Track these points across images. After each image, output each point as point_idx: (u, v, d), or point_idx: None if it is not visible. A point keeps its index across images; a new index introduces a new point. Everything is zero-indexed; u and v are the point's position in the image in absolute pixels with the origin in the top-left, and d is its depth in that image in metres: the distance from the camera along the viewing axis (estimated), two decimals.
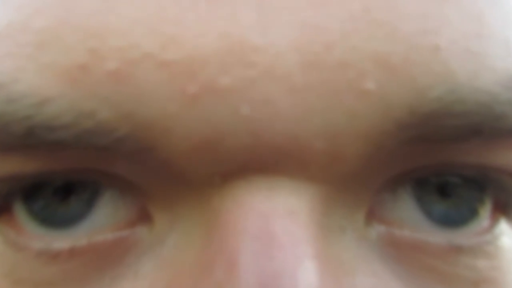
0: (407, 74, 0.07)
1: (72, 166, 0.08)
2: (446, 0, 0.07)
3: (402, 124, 0.07)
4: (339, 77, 0.07)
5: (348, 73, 0.07)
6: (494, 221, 0.09)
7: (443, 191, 0.08)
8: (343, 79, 0.07)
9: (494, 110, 0.07)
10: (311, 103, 0.07)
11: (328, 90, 0.07)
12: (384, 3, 0.07)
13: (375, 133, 0.07)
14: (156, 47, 0.07)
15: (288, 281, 0.07)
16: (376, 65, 0.07)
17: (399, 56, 0.07)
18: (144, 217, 0.08)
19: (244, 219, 0.07)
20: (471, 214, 0.09)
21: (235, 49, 0.07)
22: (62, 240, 0.08)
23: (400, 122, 0.07)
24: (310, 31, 0.07)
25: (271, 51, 0.07)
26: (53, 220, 0.08)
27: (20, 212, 0.08)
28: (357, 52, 0.07)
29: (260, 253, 0.07)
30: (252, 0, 0.07)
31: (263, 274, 0.07)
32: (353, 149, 0.07)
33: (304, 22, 0.07)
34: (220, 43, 0.07)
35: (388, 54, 0.07)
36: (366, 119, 0.07)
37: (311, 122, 0.07)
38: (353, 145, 0.07)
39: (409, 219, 0.09)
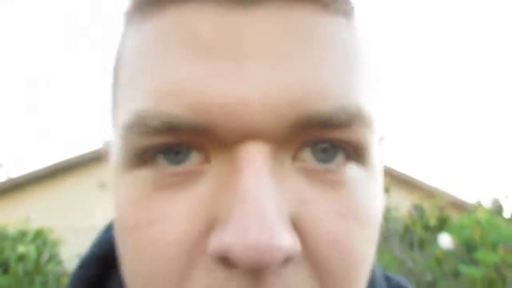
0: (304, 106, 0.16)
1: (180, 139, 0.17)
2: (306, 75, 0.16)
3: (302, 123, 0.16)
4: (279, 102, 0.16)
5: (280, 103, 0.16)
6: (346, 161, 0.18)
7: (323, 149, 0.17)
8: (281, 103, 0.16)
9: (335, 116, 0.16)
10: (265, 112, 0.16)
11: (271, 108, 0.16)
12: (296, 81, 0.16)
13: (293, 125, 0.16)
14: (210, 98, 0.16)
15: (256, 185, 0.15)
16: (292, 101, 0.16)
17: (298, 99, 0.16)
18: (207, 160, 0.18)
19: (243, 162, 0.16)
20: (333, 158, 0.17)
21: (236, 97, 0.16)
22: (177, 169, 0.17)
23: (302, 122, 0.16)
24: (265, 89, 0.16)
25: (249, 97, 0.16)
26: (175, 162, 0.17)
27: (161, 160, 0.17)
28: (286, 97, 0.16)
29: (249, 176, 0.16)
30: (241, 75, 0.16)
31: (248, 183, 0.15)
32: (283, 129, 0.16)
33: (263, 85, 0.16)
34: (229, 96, 0.16)
35: (295, 98, 0.16)
36: (289, 119, 0.16)
37: (267, 119, 0.16)
38: (283, 127, 0.16)
39: (310, 160, 0.17)
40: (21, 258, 2.33)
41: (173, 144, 0.17)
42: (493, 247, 1.36)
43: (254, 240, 0.14)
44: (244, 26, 0.16)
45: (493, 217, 1.68)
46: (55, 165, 7.28)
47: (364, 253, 0.18)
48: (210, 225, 0.16)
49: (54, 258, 2.67)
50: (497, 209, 2.01)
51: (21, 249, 2.36)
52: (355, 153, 0.18)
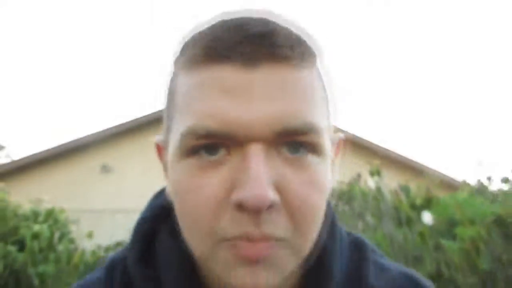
0: (283, 123, 0.29)
1: (214, 141, 0.30)
2: (284, 107, 0.29)
3: (282, 132, 0.29)
4: (270, 122, 0.29)
5: (270, 122, 0.29)
6: (307, 153, 0.30)
7: (294, 146, 0.30)
8: (271, 122, 0.29)
9: (300, 128, 0.29)
10: (261, 127, 0.29)
11: (265, 125, 0.29)
12: (279, 110, 0.29)
13: (277, 134, 0.29)
14: (232, 119, 0.29)
15: (257, 168, 0.28)
16: (276, 121, 0.29)
17: (280, 119, 0.29)
18: (229, 154, 0.30)
19: (250, 155, 0.29)
20: (300, 151, 0.30)
21: (247, 119, 0.29)
22: (212, 158, 0.30)
23: (282, 132, 0.29)
24: (262, 116, 0.29)
25: (253, 120, 0.29)
26: (211, 154, 0.30)
27: (202, 153, 0.30)
28: (273, 119, 0.29)
29: (253, 163, 0.28)
30: (249, 108, 0.29)
31: (253, 167, 0.28)
32: (272, 136, 0.29)
33: (262, 113, 0.29)
34: (243, 119, 0.29)
35: (278, 120, 0.29)
36: (274, 130, 0.29)
37: (262, 131, 0.29)
38: (272, 135, 0.29)
39: (286, 152, 0.30)
40: (36, 236, 2.48)
41: (210, 144, 0.30)
42: (471, 223, 1.51)
43: (255, 194, 0.27)
44: (250, 79, 0.29)
45: (473, 196, 1.82)
46: (59, 147, 7.27)
47: (318, 206, 0.31)
48: (231, 189, 0.29)
49: (65, 236, 2.83)
50: (480, 189, 2.18)
51: (36, 227, 2.51)
52: (312, 148, 0.30)
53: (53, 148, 7.22)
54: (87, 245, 3.19)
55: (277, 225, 0.29)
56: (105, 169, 7.25)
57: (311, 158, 0.30)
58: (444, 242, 1.52)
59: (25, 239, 2.44)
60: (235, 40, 0.30)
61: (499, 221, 1.40)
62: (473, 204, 1.56)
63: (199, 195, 0.29)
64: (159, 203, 0.40)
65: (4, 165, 7.39)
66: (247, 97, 0.29)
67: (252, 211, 0.28)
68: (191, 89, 0.31)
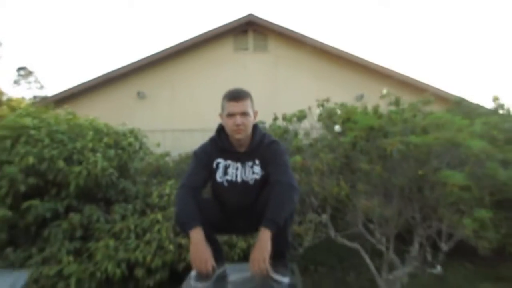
0: (244, 110, 1.94)
1: (232, 114, 1.95)
2: (244, 107, 1.91)
3: (243, 111, 1.94)
4: (242, 109, 1.89)
5: (243, 109, 1.90)
6: (247, 116, 1.91)
7: (244, 116, 1.94)
8: (243, 109, 1.89)
9: (245, 112, 1.91)
10: (240, 111, 1.89)
11: (241, 111, 1.89)
12: (243, 107, 1.92)
13: (242, 112, 1.91)
14: (235, 109, 1.93)
15: (237, 119, 1.92)
16: (242, 110, 1.93)
17: (244, 110, 1.94)
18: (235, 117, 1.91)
19: (237, 118, 1.92)
20: (246, 117, 1.92)
21: (239, 110, 1.90)
22: (231, 116, 1.94)
23: (243, 111, 1.92)
24: (241, 107, 1.89)
25: (239, 109, 1.89)
26: (232, 117, 1.91)
27: (230, 116, 1.92)
28: (242, 109, 1.91)
29: (237, 118, 1.94)
30: (239, 108, 1.90)
31: (237, 119, 1.90)
32: (241, 113, 1.93)
33: (241, 107, 1.90)
34: (237, 109, 1.91)
35: (243, 109, 1.93)
36: (242, 111, 1.93)
37: (240, 112, 1.88)
38: (241, 113, 1.92)
39: (243, 118, 1.92)
40: (130, 144, 4.11)
41: (231, 114, 1.89)
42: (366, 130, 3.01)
43: (237, 116, 1.92)
44: (238, 104, 1.88)
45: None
46: (101, 77, 8.46)
47: (248, 124, 1.94)
48: (234, 121, 1.91)
49: (143, 146, 4.47)
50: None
51: (130, 139, 4.14)
52: (247, 115, 1.91)
53: (95, 78, 8.45)
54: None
55: (242, 122, 1.87)
56: (140, 95, 8.54)
57: (248, 117, 1.89)
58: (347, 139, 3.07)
59: (125, 147, 4.09)
60: (233, 94, 1.88)
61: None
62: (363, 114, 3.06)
63: (229, 123, 1.90)
64: (220, 124, 2.00)
65: (56, 94, 8.47)
66: (237, 107, 1.87)
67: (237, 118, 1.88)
68: (225, 103, 1.91)
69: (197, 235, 1.64)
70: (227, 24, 8.69)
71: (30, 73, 24.02)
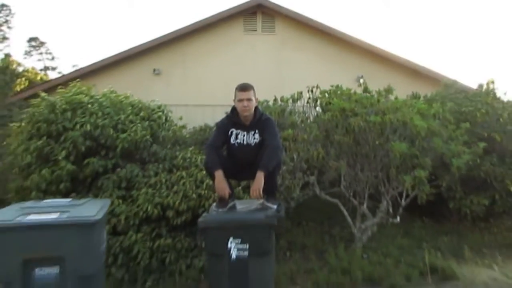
0: (248, 96, 3.09)
1: (241, 99, 3.12)
2: (250, 95, 2.98)
3: (249, 98, 3.06)
4: (248, 97, 3.01)
5: (248, 96, 3.00)
6: (251, 100, 3.03)
7: (248, 101, 3.08)
8: (248, 96, 3.02)
9: (251, 98, 3.05)
10: (248, 98, 2.99)
11: (248, 97, 3.00)
12: (249, 96, 3.00)
13: (248, 99, 3.02)
14: (242, 97, 3.08)
15: (246, 103, 3.04)
16: (248, 96, 3.04)
17: (249, 97, 3.08)
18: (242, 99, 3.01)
19: (244, 100, 3.05)
20: (250, 101, 3.05)
21: (245, 97, 3.03)
22: (240, 101, 3.03)
23: (249, 97, 3.03)
24: (246, 94, 3.03)
25: (246, 95, 3.04)
26: (241, 101, 3.03)
27: (239, 102, 3.03)
28: (248, 97, 3.01)
29: (245, 101, 3.08)
30: (246, 95, 3.02)
31: (244, 101, 3.04)
32: (248, 98, 3.02)
33: (246, 95, 3.03)
34: (244, 97, 3.05)
35: (249, 97, 3.06)
36: (248, 97, 3.02)
37: (247, 98, 2.99)
38: (248, 98, 3.03)
39: (248, 103, 3.03)
40: (159, 117, 5.14)
41: (241, 99, 2.96)
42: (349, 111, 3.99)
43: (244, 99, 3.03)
44: (245, 93, 2.96)
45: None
46: (119, 54, 9.16)
47: (252, 106, 3.02)
48: (242, 103, 3.02)
49: (169, 119, 5.50)
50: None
51: (159, 113, 5.17)
52: (252, 100, 3.00)
53: (115, 55, 9.20)
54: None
55: (248, 105, 2.93)
56: (156, 72, 9.35)
57: (252, 102, 2.96)
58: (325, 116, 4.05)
59: (155, 119, 5.12)
60: (242, 87, 2.94)
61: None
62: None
63: (239, 105, 2.96)
64: (234, 105, 3.05)
65: (76, 70, 9.22)
66: (244, 95, 2.93)
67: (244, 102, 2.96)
68: (236, 93, 2.97)
69: (219, 174, 2.79)
70: (237, 6, 9.41)
71: (41, 43, 24.28)
